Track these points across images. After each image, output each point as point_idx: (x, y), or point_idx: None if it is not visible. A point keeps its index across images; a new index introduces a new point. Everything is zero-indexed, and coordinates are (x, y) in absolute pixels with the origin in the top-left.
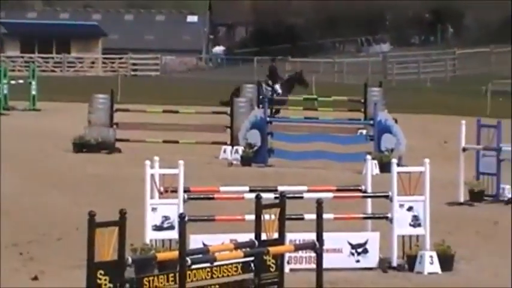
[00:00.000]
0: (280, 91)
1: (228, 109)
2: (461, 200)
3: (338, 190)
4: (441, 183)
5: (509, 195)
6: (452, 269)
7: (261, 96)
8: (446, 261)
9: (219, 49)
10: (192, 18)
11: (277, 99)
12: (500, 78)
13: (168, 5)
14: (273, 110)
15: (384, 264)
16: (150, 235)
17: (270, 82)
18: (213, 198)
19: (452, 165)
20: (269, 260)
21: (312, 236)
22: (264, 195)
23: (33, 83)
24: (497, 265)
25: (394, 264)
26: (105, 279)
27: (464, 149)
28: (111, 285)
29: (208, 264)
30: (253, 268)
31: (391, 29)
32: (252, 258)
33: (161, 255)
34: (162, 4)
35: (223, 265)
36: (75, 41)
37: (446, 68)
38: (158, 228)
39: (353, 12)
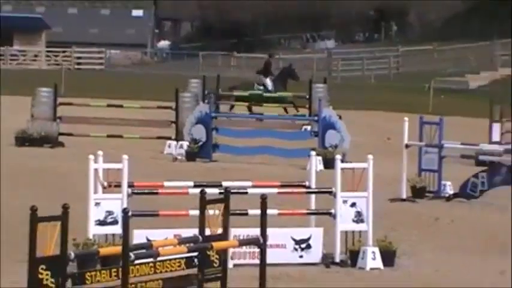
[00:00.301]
0: (271, 87)
1: (173, 104)
2: (404, 196)
3: (282, 186)
4: (384, 179)
5: (450, 192)
6: (394, 264)
7: (206, 91)
8: (388, 256)
9: (164, 43)
10: (137, 12)
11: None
12: (442, 76)
13: None
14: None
15: (327, 260)
16: (93, 230)
17: (261, 78)
18: (157, 193)
19: (395, 162)
20: (213, 255)
21: (255, 232)
22: (208, 190)
23: None
24: (438, 261)
25: (337, 259)
26: (47, 274)
27: (407, 146)
28: (52, 280)
29: (151, 260)
30: (197, 263)
31: (336, 25)
32: (195, 254)
33: (104, 250)
34: None
35: (166, 260)
36: (18, 33)
37: (389, 65)
38: (101, 223)
39: (298, 9)
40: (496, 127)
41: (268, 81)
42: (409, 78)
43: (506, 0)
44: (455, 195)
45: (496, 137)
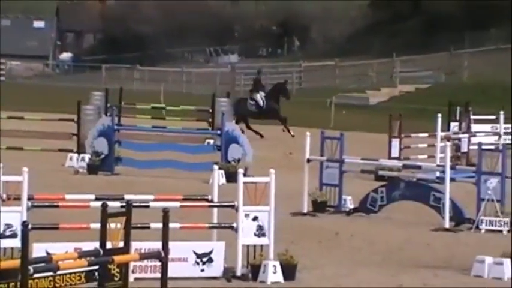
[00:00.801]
0: (262, 103)
1: (74, 116)
2: (305, 210)
3: (185, 199)
4: (286, 193)
5: (350, 206)
6: (294, 278)
7: (108, 104)
8: (289, 270)
9: (66, 55)
10: (39, 24)
11: (265, 110)
12: (343, 92)
13: (14, 10)
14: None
15: (228, 274)
16: None
17: (252, 94)
18: (57, 206)
19: (297, 176)
20: (113, 269)
21: (157, 245)
22: (110, 203)
23: None
24: (338, 275)
25: (238, 273)
26: None
27: (308, 160)
28: None
29: (51, 273)
30: (97, 277)
31: (239, 40)
32: (96, 267)
33: (2, 264)
34: (8, 8)
35: (66, 274)
36: None
37: (292, 80)
38: (0, 236)
39: (202, 22)
40: (395, 143)
41: (259, 98)
42: (311, 94)
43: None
44: (355, 210)
45: (395, 152)
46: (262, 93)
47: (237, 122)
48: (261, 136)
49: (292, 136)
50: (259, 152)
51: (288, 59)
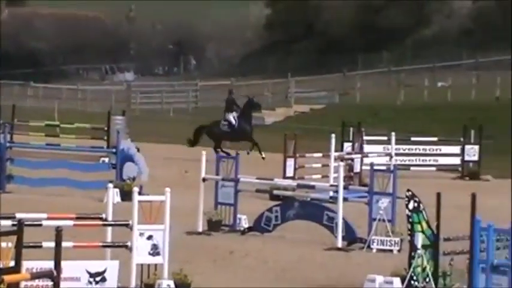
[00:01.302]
0: (235, 122)
1: None
2: (200, 229)
3: (78, 218)
4: (181, 212)
5: (245, 225)
6: None
7: (0, 121)
8: None
9: None
10: None
11: (237, 130)
12: None
13: None
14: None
15: None
16: None
17: (226, 115)
18: None
19: (193, 195)
20: None
21: (50, 264)
22: (1, 222)
23: None
24: None
25: None
26: None
27: (204, 179)
28: None
29: None
30: None
31: (135, 58)
32: None
33: None
34: None
35: None
36: None
37: (188, 99)
38: None
39: (98, 40)
40: (290, 162)
41: (231, 118)
42: (207, 113)
43: (301, 41)
44: (249, 229)
45: (290, 172)
46: (235, 114)
47: (215, 147)
48: (230, 155)
49: (263, 158)
50: (154, 170)
51: (184, 77)
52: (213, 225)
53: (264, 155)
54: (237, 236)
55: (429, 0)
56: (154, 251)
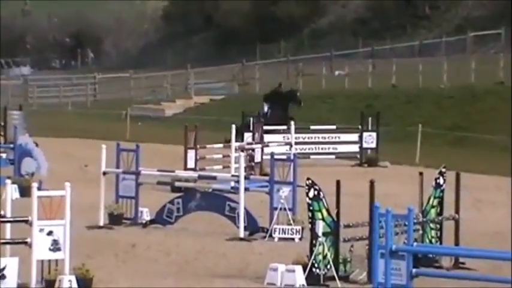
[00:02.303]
0: (266, 110)
1: None
2: (101, 223)
3: None
4: (82, 206)
5: (147, 218)
6: None
7: None
8: (85, 284)
9: None
10: None
11: (270, 117)
12: (139, 103)
13: None
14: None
15: None
16: None
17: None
18: None
19: (93, 189)
20: None
21: None
22: None
23: None
24: (134, 286)
25: None
26: None
27: (104, 173)
28: None
29: None
30: None
31: (31, 52)
32: None
33: None
34: None
35: None
36: None
37: (87, 92)
38: None
39: None
40: (191, 154)
41: (265, 106)
42: (106, 106)
43: (200, 33)
44: (151, 222)
45: (191, 163)
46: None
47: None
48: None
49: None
50: (54, 165)
51: (82, 71)
52: (115, 219)
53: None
54: (139, 229)
55: None
56: (55, 246)
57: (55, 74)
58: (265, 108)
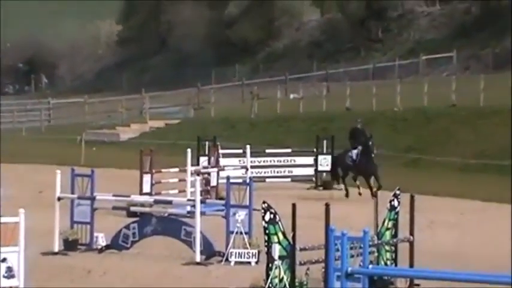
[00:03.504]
0: (355, 157)
1: None
2: (56, 249)
3: None
4: (37, 232)
5: (103, 244)
6: None
7: None
8: None
9: None
10: None
11: (363, 167)
12: (94, 128)
13: None
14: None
15: None
16: None
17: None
18: None
19: (48, 214)
20: None
21: None
22: None
23: None
24: None
25: None
26: None
27: (59, 198)
28: None
29: None
30: None
31: None
32: None
33: None
34: None
35: None
36: None
37: (41, 117)
38: None
39: None
40: (147, 178)
41: (354, 152)
42: (60, 131)
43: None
44: (107, 247)
45: (146, 188)
46: (358, 150)
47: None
48: (346, 195)
49: (373, 195)
50: (8, 190)
51: (36, 96)
52: (70, 245)
53: (374, 193)
54: (94, 254)
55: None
56: (9, 273)
57: (8, 100)
58: (354, 156)
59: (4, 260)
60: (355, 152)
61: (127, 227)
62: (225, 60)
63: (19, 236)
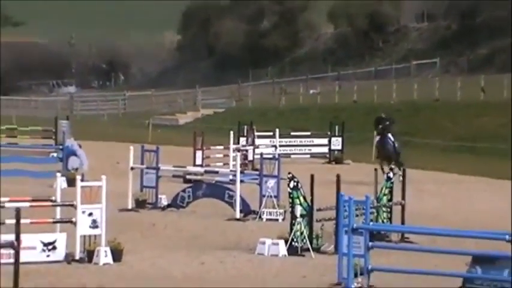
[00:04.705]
0: (392, 143)
1: None
2: (130, 207)
3: (34, 200)
4: (115, 194)
5: (165, 203)
6: (121, 260)
7: None
8: (117, 254)
9: None
10: None
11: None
12: (158, 115)
13: None
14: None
15: (69, 258)
16: None
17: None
18: None
19: (124, 181)
20: None
21: (11, 237)
22: None
23: None
24: (154, 256)
25: (77, 257)
26: None
27: (132, 168)
28: None
29: None
30: None
31: (76, 74)
32: None
33: None
34: None
35: None
36: None
37: (118, 106)
38: None
39: (45, 60)
40: (199, 153)
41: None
42: (133, 116)
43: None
44: (168, 206)
45: (199, 161)
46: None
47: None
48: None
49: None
50: (93, 162)
51: (115, 89)
52: (139, 204)
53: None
54: (158, 211)
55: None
56: (94, 224)
57: (94, 92)
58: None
59: (90, 214)
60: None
61: (183, 190)
62: (259, 63)
63: (101, 196)
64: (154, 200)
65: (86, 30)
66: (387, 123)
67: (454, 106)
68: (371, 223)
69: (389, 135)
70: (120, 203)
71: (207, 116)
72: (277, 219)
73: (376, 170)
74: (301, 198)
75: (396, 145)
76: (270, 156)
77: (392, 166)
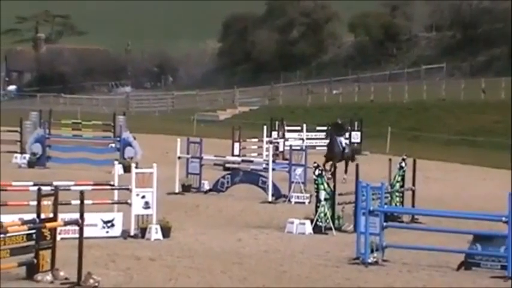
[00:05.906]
0: (344, 145)
1: (18, 128)
2: (177, 191)
3: (95, 184)
4: (164, 180)
5: (207, 188)
6: (170, 236)
7: (42, 120)
8: (166, 231)
9: (12, 87)
10: None
11: (346, 153)
12: (202, 111)
13: None
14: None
15: (125, 234)
16: None
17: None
18: (6, 190)
19: (172, 168)
20: (46, 232)
21: (76, 216)
22: (43, 188)
23: None
24: (197, 233)
25: (132, 233)
26: None
27: (179, 157)
28: None
29: (2, 235)
30: (35, 237)
31: (131, 76)
32: (34, 231)
33: None
34: None
35: (13, 236)
36: None
37: (167, 104)
38: None
39: (105, 64)
40: (236, 145)
41: (342, 140)
42: (180, 113)
43: (242, 64)
44: (210, 190)
45: (236, 151)
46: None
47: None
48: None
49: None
50: (145, 152)
51: (164, 89)
52: (185, 188)
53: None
54: (201, 195)
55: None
56: (146, 206)
57: (147, 92)
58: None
59: (143, 197)
60: (343, 141)
61: (223, 177)
62: (289, 67)
63: (152, 181)
64: (198, 185)
65: (140, 39)
66: (340, 128)
67: (458, 105)
68: (385, 206)
69: (342, 138)
70: (168, 187)
71: (244, 112)
72: (304, 202)
73: (390, 160)
74: (325, 184)
75: (346, 149)
76: (298, 147)
77: (404, 157)
